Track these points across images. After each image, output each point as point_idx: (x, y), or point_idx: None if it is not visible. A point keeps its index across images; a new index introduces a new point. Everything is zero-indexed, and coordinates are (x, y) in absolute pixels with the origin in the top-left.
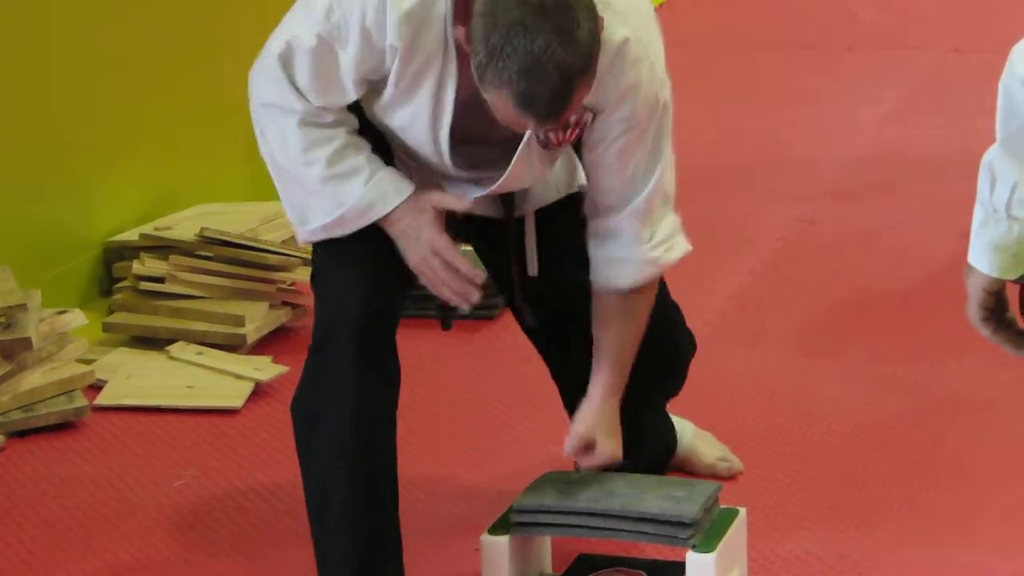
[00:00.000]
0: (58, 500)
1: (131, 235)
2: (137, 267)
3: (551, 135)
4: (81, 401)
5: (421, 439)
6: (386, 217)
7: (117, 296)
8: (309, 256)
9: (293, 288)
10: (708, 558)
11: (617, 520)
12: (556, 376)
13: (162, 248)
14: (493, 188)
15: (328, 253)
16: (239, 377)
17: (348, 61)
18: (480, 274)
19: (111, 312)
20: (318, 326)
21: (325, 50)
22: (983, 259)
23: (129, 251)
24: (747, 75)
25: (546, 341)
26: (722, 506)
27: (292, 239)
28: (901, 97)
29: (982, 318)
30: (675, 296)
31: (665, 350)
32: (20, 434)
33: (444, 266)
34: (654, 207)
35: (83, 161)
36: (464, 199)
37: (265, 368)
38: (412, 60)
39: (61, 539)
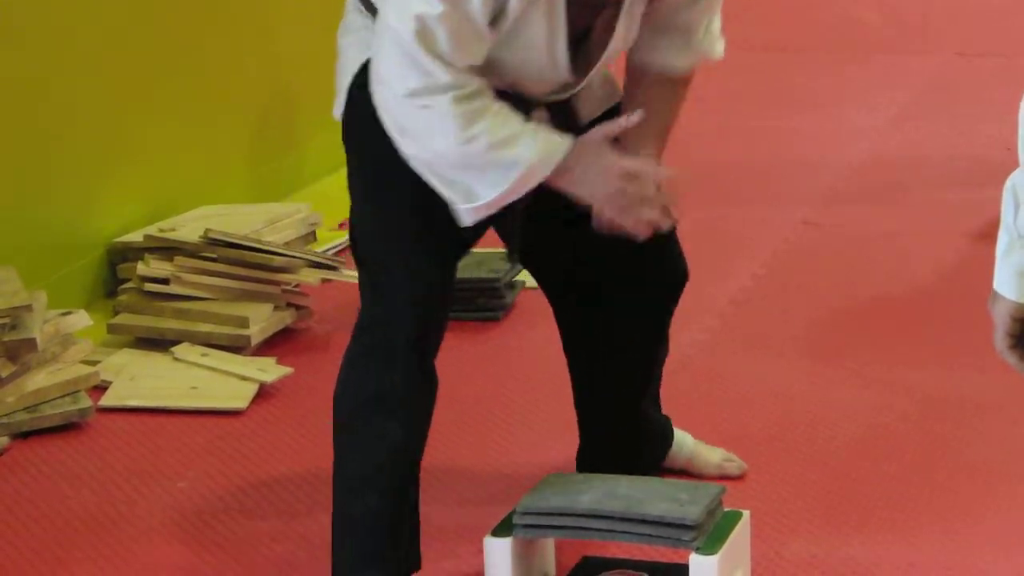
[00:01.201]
0: (62, 501)
1: (136, 236)
2: (142, 268)
3: None
4: (86, 402)
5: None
6: (559, 166)
7: (122, 297)
8: (313, 258)
9: (297, 289)
10: (711, 560)
11: (621, 522)
12: (573, 358)
13: (167, 249)
14: (601, 61)
15: (386, 246)
16: (243, 378)
17: (476, 4)
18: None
19: (116, 313)
20: (375, 320)
21: (451, 8)
22: (1010, 286)
23: (134, 252)
24: (752, 79)
25: (568, 309)
26: (726, 508)
27: (296, 241)
28: (905, 101)
29: (1009, 346)
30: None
31: (667, 266)
32: (24, 435)
33: (641, 187)
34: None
35: (88, 162)
36: (632, 116)
37: (269, 369)
38: None
39: (65, 540)
